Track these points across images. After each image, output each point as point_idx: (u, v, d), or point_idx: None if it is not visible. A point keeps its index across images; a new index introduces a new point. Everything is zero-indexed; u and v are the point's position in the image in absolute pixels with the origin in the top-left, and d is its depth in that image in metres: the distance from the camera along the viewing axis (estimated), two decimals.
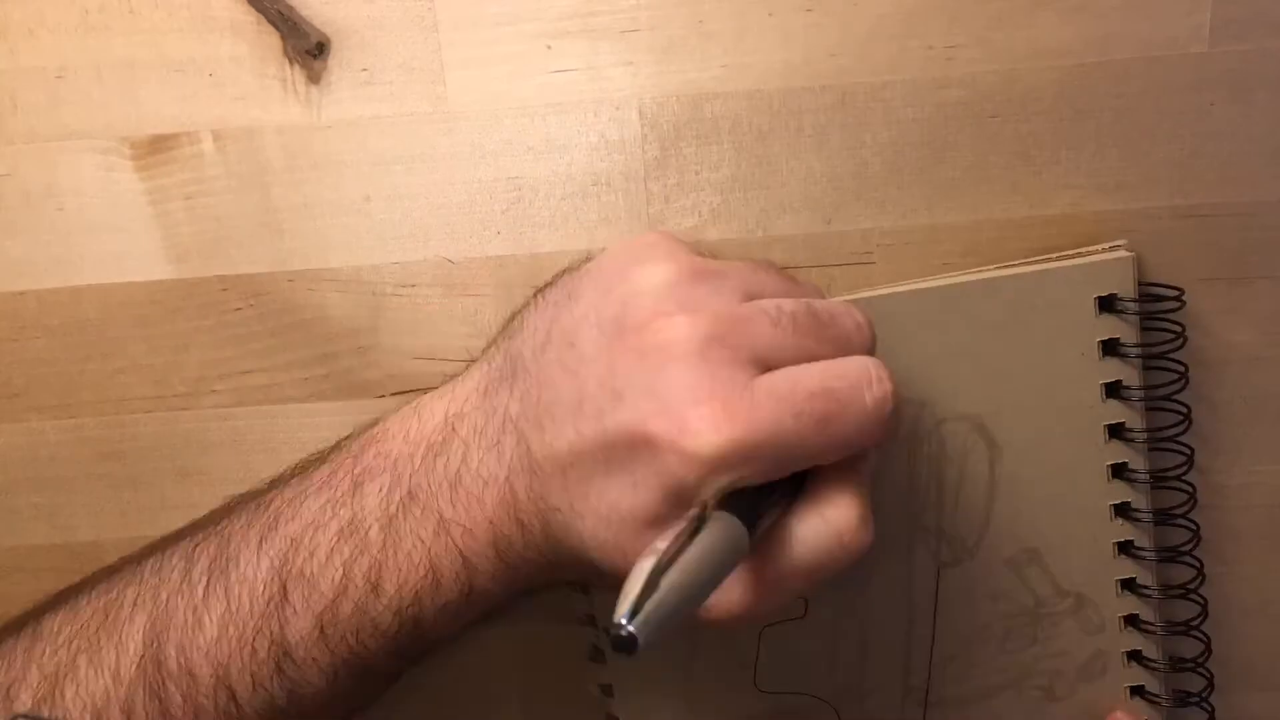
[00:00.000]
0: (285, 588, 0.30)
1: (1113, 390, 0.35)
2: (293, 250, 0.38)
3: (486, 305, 0.38)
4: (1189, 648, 0.38)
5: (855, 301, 0.34)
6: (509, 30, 0.36)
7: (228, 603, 0.30)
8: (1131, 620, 0.37)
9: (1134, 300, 0.35)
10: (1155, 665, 0.37)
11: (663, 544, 0.24)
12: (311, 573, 0.29)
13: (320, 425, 0.40)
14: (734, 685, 0.38)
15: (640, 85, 0.37)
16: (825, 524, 0.28)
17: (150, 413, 0.40)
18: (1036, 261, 0.36)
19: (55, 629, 0.31)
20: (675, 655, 0.38)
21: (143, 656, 0.30)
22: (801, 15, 0.36)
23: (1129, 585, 0.37)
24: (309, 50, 0.37)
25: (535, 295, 0.32)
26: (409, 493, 0.30)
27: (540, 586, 0.32)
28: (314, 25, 0.37)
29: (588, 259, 0.32)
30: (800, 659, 0.38)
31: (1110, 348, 0.35)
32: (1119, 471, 0.36)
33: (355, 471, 0.30)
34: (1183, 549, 0.37)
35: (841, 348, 0.29)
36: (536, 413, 0.29)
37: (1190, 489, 0.37)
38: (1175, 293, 0.35)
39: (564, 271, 0.32)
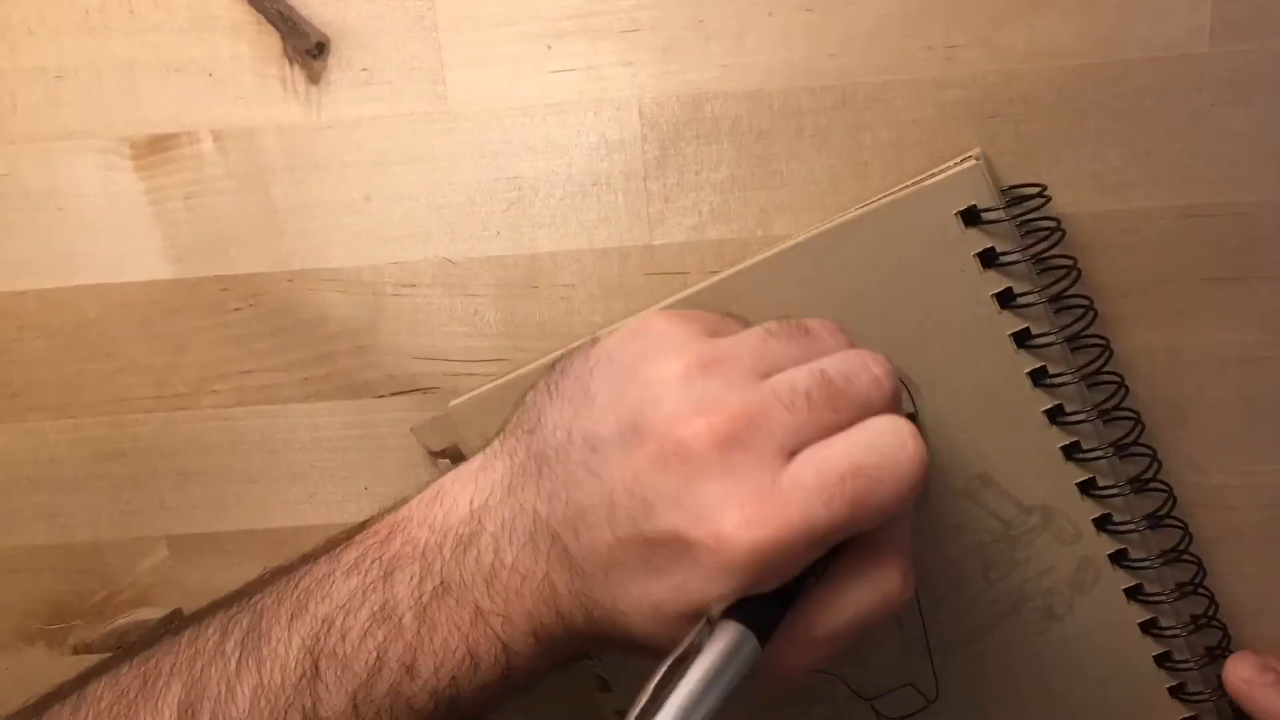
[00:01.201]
0: (317, 665, 0.30)
1: (1006, 299, 0.35)
2: (293, 250, 0.38)
3: (486, 305, 0.38)
4: (1172, 538, 0.37)
5: (733, 277, 0.35)
6: (509, 30, 0.36)
7: (260, 676, 0.30)
8: (1103, 522, 0.37)
9: (995, 208, 0.34)
10: (1143, 563, 0.37)
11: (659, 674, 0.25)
12: (345, 653, 0.30)
13: (320, 425, 0.40)
14: None
15: (640, 85, 0.37)
16: (872, 586, 0.29)
17: (150, 413, 0.40)
18: (893, 191, 0.35)
19: (98, 695, 0.32)
20: None
21: None
22: (801, 15, 0.36)
23: (1088, 488, 0.36)
24: (309, 50, 0.37)
25: (548, 384, 0.32)
26: (442, 583, 0.30)
27: (577, 660, 0.32)
28: (314, 25, 0.37)
29: (594, 341, 0.32)
30: None
31: (989, 259, 0.34)
32: (1039, 378, 0.35)
33: (384, 558, 0.31)
34: (1129, 442, 0.36)
35: (861, 408, 0.28)
36: (567, 514, 0.29)
37: (1118, 379, 0.36)
38: (1038, 189, 0.34)
39: (574, 352, 0.32)
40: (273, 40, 0.37)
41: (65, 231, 0.38)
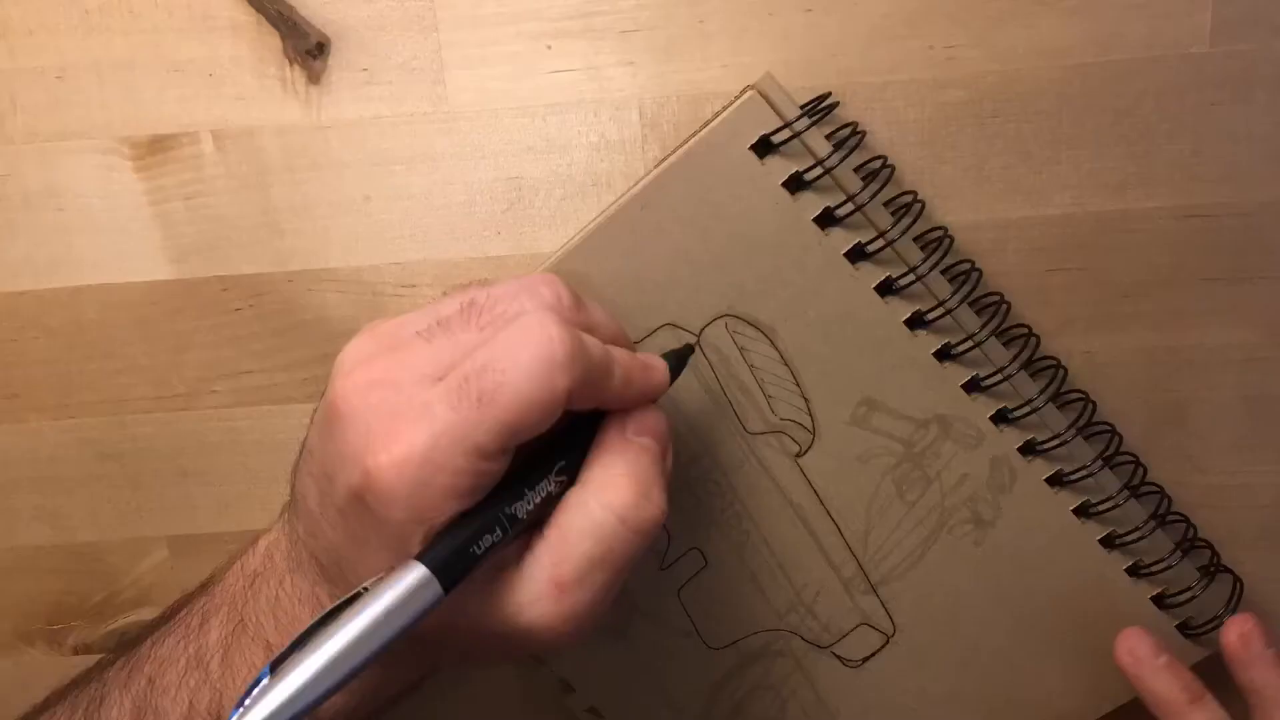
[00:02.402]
0: None
1: (825, 219, 0.34)
2: (293, 250, 0.38)
3: None
4: (1071, 413, 0.36)
5: (561, 261, 0.34)
6: (509, 30, 0.36)
7: None
8: (1000, 416, 0.36)
9: (781, 128, 0.33)
10: (1053, 444, 0.36)
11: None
12: (163, 708, 0.30)
13: None
14: (689, 655, 0.38)
15: (640, 85, 0.37)
16: (600, 510, 0.27)
17: (150, 413, 0.40)
18: (681, 144, 0.34)
19: None
20: (621, 651, 0.38)
21: None
22: (801, 15, 0.36)
23: (972, 386, 0.35)
24: (309, 50, 0.37)
25: None
26: (240, 623, 0.30)
27: (392, 692, 0.31)
28: (314, 25, 0.37)
29: None
30: (730, 604, 0.38)
31: (795, 183, 0.34)
32: (885, 289, 0.35)
33: (204, 609, 0.32)
34: (994, 328, 0.35)
35: (510, 318, 0.28)
36: (307, 525, 0.29)
37: (969, 263, 0.35)
38: (824, 97, 0.33)
39: None
40: (273, 40, 0.37)
41: (65, 231, 0.38)
